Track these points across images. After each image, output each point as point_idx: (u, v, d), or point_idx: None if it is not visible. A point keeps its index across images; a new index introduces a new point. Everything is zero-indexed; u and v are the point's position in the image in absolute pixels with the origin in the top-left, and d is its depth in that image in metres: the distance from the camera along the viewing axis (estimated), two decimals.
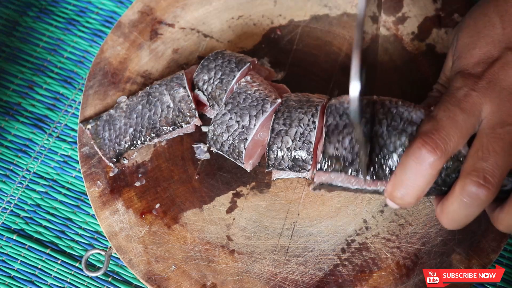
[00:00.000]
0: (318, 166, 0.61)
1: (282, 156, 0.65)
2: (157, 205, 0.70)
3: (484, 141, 0.58)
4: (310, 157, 0.64)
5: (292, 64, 0.76)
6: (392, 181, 0.59)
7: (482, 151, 0.57)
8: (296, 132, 0.64)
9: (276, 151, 0.65)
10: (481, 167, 0.57)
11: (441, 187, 0.60)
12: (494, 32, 0.62)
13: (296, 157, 0.64)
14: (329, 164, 0.61)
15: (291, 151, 0.64)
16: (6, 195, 0.75)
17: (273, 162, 0.65)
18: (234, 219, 0.69)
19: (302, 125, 0.65)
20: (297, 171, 0.66)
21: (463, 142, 0.58)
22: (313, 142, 0.64)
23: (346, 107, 0.62)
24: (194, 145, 0.72)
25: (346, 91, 0.73)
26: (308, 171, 0.65)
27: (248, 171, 0.70)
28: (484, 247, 0.65)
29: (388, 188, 0.60)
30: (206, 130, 0.71)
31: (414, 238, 0.66)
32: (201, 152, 0.72)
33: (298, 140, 0.64)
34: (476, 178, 0.56)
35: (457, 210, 0.58)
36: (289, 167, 0.65)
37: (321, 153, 0.61)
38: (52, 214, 0.73)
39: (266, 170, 0.68)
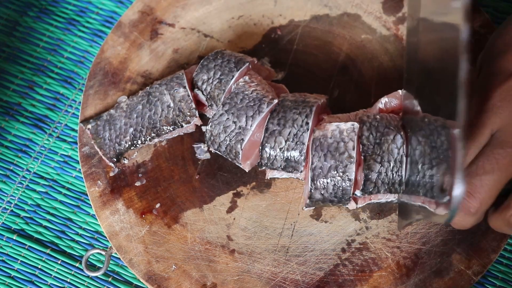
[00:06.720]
0: (306, 206, 0.65)
1: (275, 156, 0.65)
2: (158, 205, 0.70)
3: None
4: (302, 158, 0.64)
5: (292, 64, 0.76)
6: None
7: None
8: (289, 133, 0.64)
9: (269, 151, 0.65)
10: None
11: None
12: None
13: (289, 157, 0.64)
14: (317, 204, 0.65)
15: (284, 151, 0.64)
16: (6, 195, 0.75)
17: (265, 161, 0.65)
18: (234, 219, 0.69)
19: (295, 125, 0.65)
20: (289, 172, 0.66)
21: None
22: (305, 143, 0.64)
23: (331, 142, 0.63)
24: (195, 145, 0.72)
25: (346, 91, 0.74)
26: (301, 172, 0.65)
27: (247, 171, 0.70)
28: (484, 247, 0.65)
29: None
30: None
31: (414, 238, 0.66)
32: (202, 152, 0.72)
33: (291, 141, 0.64)
34: None
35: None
36: (282, 167, 0.65)
37: (307, 198, 0.64)
38: (52, 214, 0.73)
39: (259, 169, 0.68)
